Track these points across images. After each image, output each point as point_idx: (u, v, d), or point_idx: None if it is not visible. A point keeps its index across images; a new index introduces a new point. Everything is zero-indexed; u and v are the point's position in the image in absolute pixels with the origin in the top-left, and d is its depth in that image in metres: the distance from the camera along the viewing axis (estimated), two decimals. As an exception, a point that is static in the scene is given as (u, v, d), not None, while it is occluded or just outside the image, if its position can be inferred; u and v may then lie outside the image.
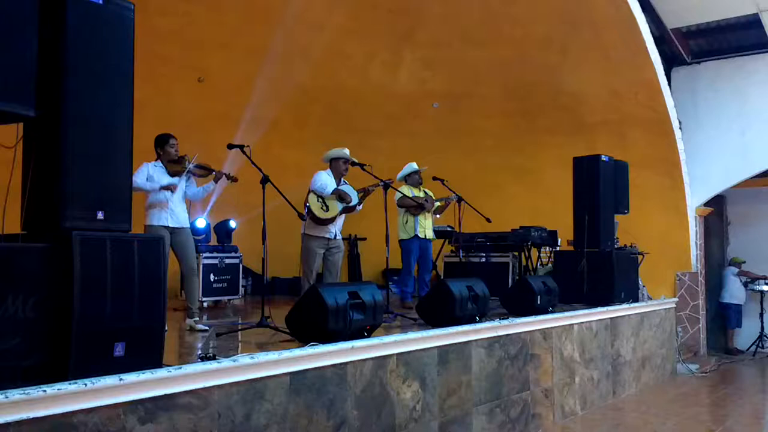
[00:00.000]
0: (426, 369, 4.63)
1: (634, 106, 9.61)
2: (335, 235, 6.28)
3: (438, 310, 5.22)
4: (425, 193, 7.56)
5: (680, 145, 9.86)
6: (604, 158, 7.69)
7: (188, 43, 8.90)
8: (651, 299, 8.70)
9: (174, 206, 5.29)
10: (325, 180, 6.27)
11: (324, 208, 6.15)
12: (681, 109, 10.21)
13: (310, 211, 6.09)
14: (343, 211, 6.27)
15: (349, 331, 4.19)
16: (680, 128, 10.03)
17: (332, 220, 6.18)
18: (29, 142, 3.03)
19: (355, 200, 6.29)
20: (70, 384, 2.68)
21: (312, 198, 6.16)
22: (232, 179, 5.56)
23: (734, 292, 11.16)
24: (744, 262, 11.29)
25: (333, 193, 6.21)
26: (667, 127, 9.66)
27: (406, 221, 7.35)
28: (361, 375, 4.12)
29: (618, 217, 8.17)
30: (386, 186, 6.33)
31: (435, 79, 10.39)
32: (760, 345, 10.85)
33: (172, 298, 6.44)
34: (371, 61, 10.18)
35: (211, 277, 7.95)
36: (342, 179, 6.39)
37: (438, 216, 7.79)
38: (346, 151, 6.39)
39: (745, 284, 11.25)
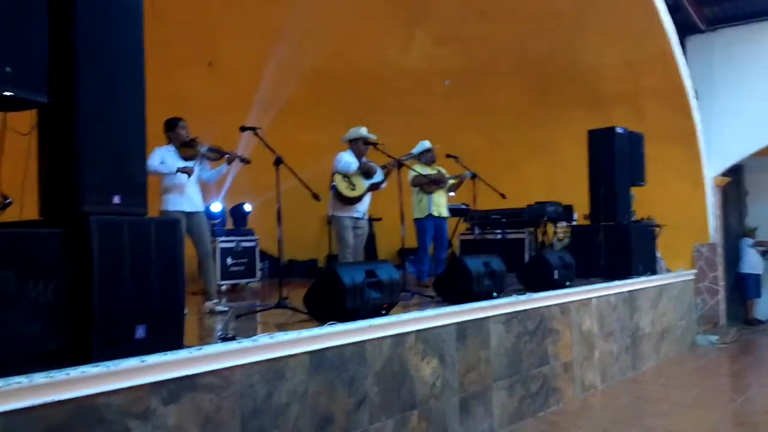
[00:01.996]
0: (445, 345, 4.64)
1: (649, 76, 9.48)
2: (363, 215, 6.32)
3: (455, 287, 5.22)
4: (438, 171, 7.52)
5: (696, 115, 9.74)
6: (619, 130, 7.62)
7: (199, 26, 8.88)
8: (669, 271, 8.65)
9: (189, 190, 5.30)
10: (348, 159, 6.27)
11: (351, 187, 6.16)
12: (697, 78, 10.06)
13: (336, 191, 6.10)
14: (369, 189, 6.28)
15: (367, 310, 4.20)
16: (696, 97, 9.90)
17: (360, 198, 6.19)
18: (44, 129, 3.06)
19: (380, 176, 6.30)
20: (93, 366, 2.71)
21: (338, 177, 6.17)
22: (245, 161, 5.56)
23: (751, 262, 11.06)
24: (755, 229, 11.15)
25: (358, 168, 6.23)
26: (682, 97, 9.54)
27: (420, 200, 7.33)
28: (381, 353, 4.13)
29: (634, 190, 8.11)
30: (399, 165, 6.31)
31: (449, 56, 10.29)
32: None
33: (190, 282, 6.48)
34: (385, 40, 10.09)
35: (228, 260, 8.00)
36: (363, 158, 6.38)
37: (452, 194, 7.75)
38: (364, 130, 6.38)
39: (764, 254, 11.15)
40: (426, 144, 7.52)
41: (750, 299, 11.09)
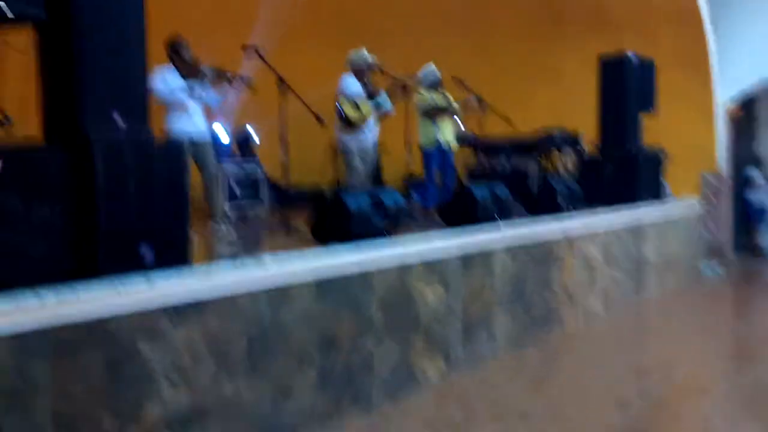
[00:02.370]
0: (449, 271, 4.66)
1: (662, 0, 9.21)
2: (370, 141, 6.22)
3: (460, 214, 5.22)
4: (445, 96, 7.37)
5: (710, 39, 9.49)
6: (630, 56, 7.45)
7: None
8: (676, 200, 8.61)
9: (193, 114, 5.23)
10: (353, 82, 6.14)
11: (357, 109, 6.05)
12: (713, 1, 9.75)
13: (342, 113, 5.98)
14: (377, 113, 6.16)
15: (373, 235, 4.20)
16: (711, 22, 9.62)
17: (364, 120, 6.08)
18: (43, 48, 2.98)
19: (386, 101, 6.18)
20: (101, 286, 2.71)
21: (343, 100, 6.04)
22: (248, 83, 5.45)
23: (758, 190, 10.96)
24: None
25: (364, 90, 6.10)
26: (697, 22, 9.27)
27: (427, 128, 7.21)
28: (386, 278, 4.15)
29: (644, 117, 7.98)
30: (403, 87, 6.15)
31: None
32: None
33: (196, 207, 6.48)
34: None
35: (233, 186, 7.96)
36: (369, 83, 6.24)
37: (458, 120, 7.61)
38: (365, 54, 6.22)
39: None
40: (430, 67, 7.35)
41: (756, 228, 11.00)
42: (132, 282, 2.82)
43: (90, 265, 2.79)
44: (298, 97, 4.93)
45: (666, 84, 8.64)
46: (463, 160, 9.22)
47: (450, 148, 7.36)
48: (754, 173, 10.93)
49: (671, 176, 8.86)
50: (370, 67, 6.19)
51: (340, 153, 6.10)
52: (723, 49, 9.83)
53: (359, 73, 6.20)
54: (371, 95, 6.12)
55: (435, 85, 7.31)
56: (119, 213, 2.88)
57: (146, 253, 2.96)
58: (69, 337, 2.60)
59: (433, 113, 7.09)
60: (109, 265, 2.82)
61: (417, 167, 7.03)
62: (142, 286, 2.84)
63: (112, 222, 2.84)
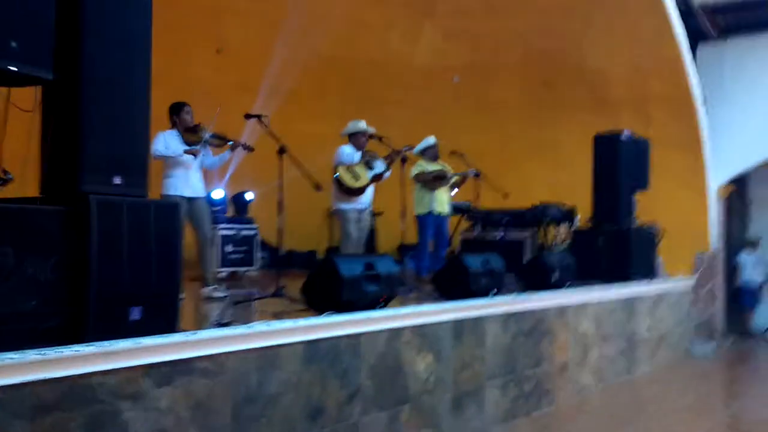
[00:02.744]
0: (440, 342, 4.63)
1: (658, 82, 9.45)
2: (366, 207, 6.30)
3: (453, 284, 5.21)
4: (443, 167, 7.48)
5: (703, 123, 9.70)
6: (625, 135, 7.60)
7: (207, 11, 8.86)
8: (669, 277, 8.63)
9: (191, 175, 5.29)
10: (349, 152, 6.27)
11: (355, 177, 6.14)
12: (707, 86, 10.01)
13: (340, 182, 6.08)
14: (372, 180, 6.26)
15: (364, 302, 4.20)
16: (705, 105, 9.85)
17: (363, 189, 6.17)
18: (48, 106, 3.04)
19: (382, 166, 6.28)
20: (86, 346, 2.71)
21: (341, 169, 6.15)
22: (249, 149, 5.53)
23: (750, 273, 10.94)
24: (759, 240, 10.99)
25: (361, 159, 6.22)
26: (690, 104, 9.49)
27: (423, 196, 7.28)
28: (375, 346, 4.13)
29: (638, 195, 8.08)
30: (403, 158, 6.26)
31: (456, 50, 10.25)
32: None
33: (189, 268, 6.48)
34: (391, 31, 10.06)
35: (228, 248, 7.97)
36: (366, 151, 6.36)
37: (455, 191, 7.71)
38: (363, 124, 6.37)
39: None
40: (431, 140, 7.49)
41: (748, 310, 11.00)
42: (117, 342, 2.80)
43: (78, 325, 2.78)
44: (298, 165, 5.00)
45: (662, 164, 8.79)
46: (459, 229, 9.28)
47: (445, 217, 7.43)
48: (744, 256, 10.94)
49: (666, 254, 8.90)
50: (367, 137, 6.32)
51: (337, 221, 6.16)
52: (717, 133, 10.04)
53: (356, 143, 6.32)
54: (368, 164, 6.23)
55: (433, 157, 7.44)
56: (111, 273, 2.89)
57: (135, 315, 2.96)
58: (49, 395, 2.57)
59: (429, 183, 7.19)
60: (97, 327, 2.80)
61: (411, 235, 7.07)
62: (126, 345, 2.82)
63: (103, 283, 2.84)
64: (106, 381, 2.75)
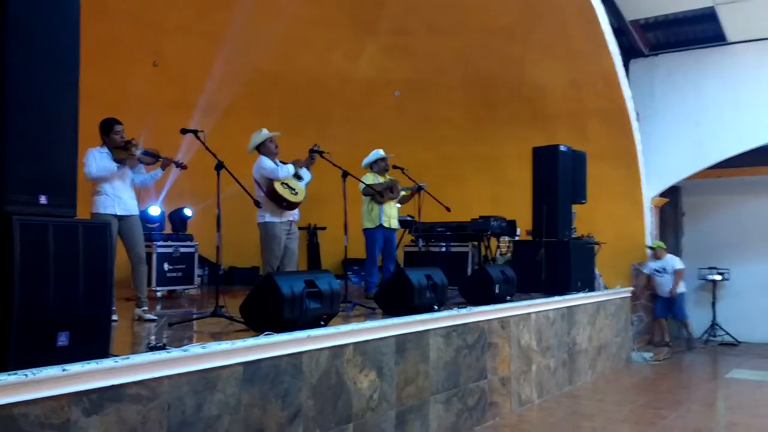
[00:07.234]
0: (383, 358, 4.59)
1: (593, 97, 9.71)
2: (294, 220, 6.15)
3: (396, 299, 5.19)
4: (392, 180, 7.41)
5: (637, 136, 9.99)
6: (562, 148, 7.74)
7: (144, 25, 8.68)
8: (607, 288, 8.82)
9: (121, 193, 5.12)
10: (271, 163, 5.97)
11: (293, 192, 5.98)
12: (639, 101, 10.34)
13: (278, 197, 5.87)
14: (305, 189, 6.13)
15: (305, 321, 4.13)
16: (638, 119, 10.16)
17: (300, 202, 6.03)
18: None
19: (307, 174, 6.17)
20: (9, 375, 2.57)
21: (277, 185, 5.94)
22: (181, 166, 5.38)
23: (659, 284, 10.35)
24: (658, 247, 10.31)
25: (294, 171, 6.02)
26: (624, 118, 9.78)
27: (371, 210, 7.18)
28: (317, 364, 4.06)
29: (575, 207, 8.24)
30: (345, 174, 6.16)
31: (397, 67, 10.33)
32: (712, 334, 11.04)
33: (125, 287, 6.27)
34: (333, 49, 10.07)
35: (166, 266, 7.78)
36: (294, 161, 6.17)
37: (399, 206, 7.69)
38: (266, 131, 6.12)
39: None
40: (380, 153, 7.42)
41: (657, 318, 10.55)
42: (42, 369, 2.67)
43: (1, 352, 2.64)
44: (237, 181, 4.91)
45: (598, 177, 9.01)
46: (402, 244, 9.29)
47: (393, 231, 7.37)
48: (650, 266, 10.37)
49: (603, 265, 9.10)
50: (274, 142, 6.09)
51: (263, 235, 5.99)
52: (650, 146, 10.36)
53: (268, 153, 6.04)
54: (296, 175, 6.07)
55: (383, 170, 7.38)
56: (36, 297, 2.75)
57: (63, 341, 2.82)
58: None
59: (377, 196, 7.12)
60: (21, 354, 2.67)
61: (354, 249, 7.01)
62: (52, 373, 2.69)
63: (27, 307, 2.70)
64: (29, 411, 2.61)
